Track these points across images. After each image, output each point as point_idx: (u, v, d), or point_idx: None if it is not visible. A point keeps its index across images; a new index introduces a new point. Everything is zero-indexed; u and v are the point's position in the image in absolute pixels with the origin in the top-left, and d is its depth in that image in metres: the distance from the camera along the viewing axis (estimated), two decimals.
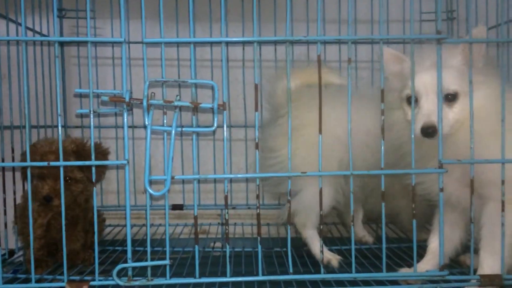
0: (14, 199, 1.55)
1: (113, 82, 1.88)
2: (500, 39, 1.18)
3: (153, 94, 1.13)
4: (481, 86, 1.13)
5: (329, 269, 1.39)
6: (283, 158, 1.42)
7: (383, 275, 1.17)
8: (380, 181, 1.16)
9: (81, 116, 1.88)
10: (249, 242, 1.71)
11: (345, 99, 1.15)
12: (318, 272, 1.19)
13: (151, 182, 1.11)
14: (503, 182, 1.11)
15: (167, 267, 1.16)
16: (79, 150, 1.40)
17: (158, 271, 1.27)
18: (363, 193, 1.59)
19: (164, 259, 1.15)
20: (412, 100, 1.14)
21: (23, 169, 1.42)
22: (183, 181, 1.92)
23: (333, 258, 1.42)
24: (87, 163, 1.23)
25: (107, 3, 1.86)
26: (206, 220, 1.95)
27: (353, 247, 1.18)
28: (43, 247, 1.42)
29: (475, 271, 1.17)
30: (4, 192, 1.55)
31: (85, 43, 1.65)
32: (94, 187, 1.17)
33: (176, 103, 1.13)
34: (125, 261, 1.14)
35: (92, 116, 1.13)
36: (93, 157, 1.16)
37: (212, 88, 1.13)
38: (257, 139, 1.16)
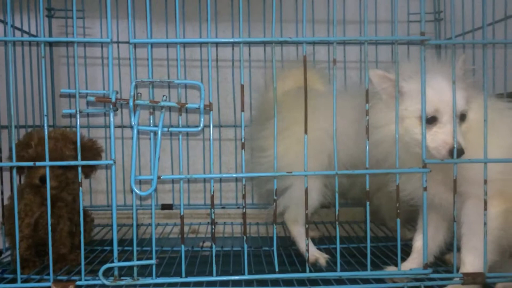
0: (2, 199, 1.54)
1: (103, 82, 1.88)
2: (484, 40, 1.19)
3: (139, 94, 1.13)
4: (473, 99, 1.17)
5: (316, 267, 1.40)
6: (273, 157, 1.43)
7: (368, 273, 1.18)
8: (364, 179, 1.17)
9: (70, 116, 1.88)
10: (238, 241, 1.72)
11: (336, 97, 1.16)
12: (306, 270, 1.20)
13: (138, 182, 1.11)
14: (485, 182, 1.12)
15: (153, 267, 1.16)
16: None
17: (146, 271, 1.28)
18: (354, 188, 1.60)
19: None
20: (396, 102, 1.15)
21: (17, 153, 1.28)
22: (173, 181, 1.93)
23: (320, 257, 1.44)
24: (72, 163, 1.23)
25: (97, 3, 1.85)
26: (196, 220, 1.96)
27: (338, 245, 1.19)
28: (30, 246, 1.41)
29: (458, 269, 1.19)
30: None
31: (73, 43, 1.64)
32: (80, 187, 1.17)
33: (162, 104, 1.13)
34: (113, 261, 1.14)
35: (78, 116, 1.13)
36: (79, 157, 1.16)
37: (199, 88, 1.14)
38: (243, 139, 1.17)
